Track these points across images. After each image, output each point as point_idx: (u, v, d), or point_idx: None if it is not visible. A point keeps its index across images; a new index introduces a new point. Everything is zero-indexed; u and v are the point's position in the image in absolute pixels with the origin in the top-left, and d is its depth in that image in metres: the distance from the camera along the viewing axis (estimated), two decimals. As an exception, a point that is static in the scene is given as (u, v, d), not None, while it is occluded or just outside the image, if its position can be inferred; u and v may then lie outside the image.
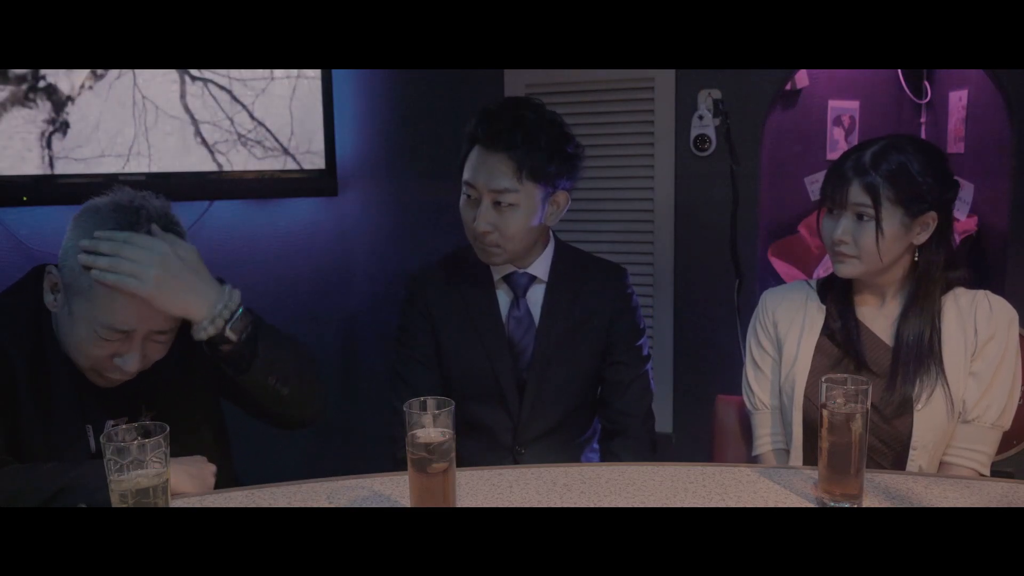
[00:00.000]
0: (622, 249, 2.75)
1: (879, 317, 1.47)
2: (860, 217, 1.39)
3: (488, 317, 1.63)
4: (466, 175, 1.54)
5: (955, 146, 3.17)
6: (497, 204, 1.51)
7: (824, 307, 1.51)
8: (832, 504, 1.15)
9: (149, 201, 1.25)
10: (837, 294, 1.50)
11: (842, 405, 1.14)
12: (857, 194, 1.38)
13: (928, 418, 1.39)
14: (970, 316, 1.42)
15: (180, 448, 1.24)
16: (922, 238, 1.41)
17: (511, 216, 1.52)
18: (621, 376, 1.66)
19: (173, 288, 1.19)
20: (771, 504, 1.18)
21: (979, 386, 1.40)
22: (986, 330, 1.40)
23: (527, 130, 1.50)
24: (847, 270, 1.43)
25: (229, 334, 1.23)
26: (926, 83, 3.42)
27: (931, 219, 1.40)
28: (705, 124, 2.65)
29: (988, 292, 1.45)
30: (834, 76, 3.39)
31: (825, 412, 1.14)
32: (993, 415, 1.39)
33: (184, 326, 1.27)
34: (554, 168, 1.53)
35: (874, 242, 1.37)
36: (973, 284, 1.47)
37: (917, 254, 1.43)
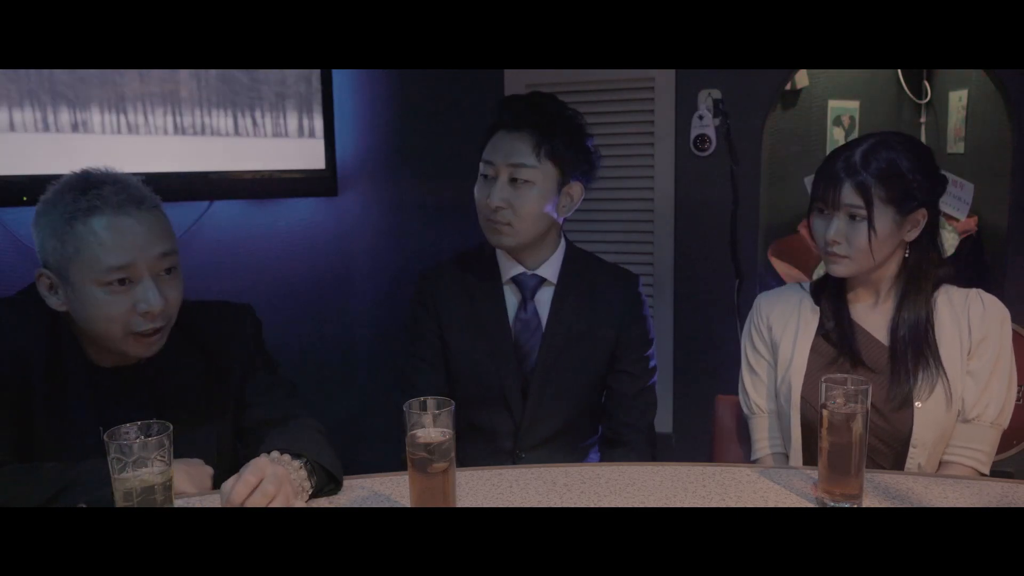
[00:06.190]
0: (622, 249, 2.75)
1: (873, 315, 1.47)
2: (852, 217, 1.38)
3: (494, 317, 1.62)
4: (485, 155, 1.57)
5: (955, 146, 3.17)
6: (514, 181, 1.54)
7: (818, 308, 1.50)
8: (832, 504, 1.15)
9: (108, 178, 1.20)
10: (830, 294, 1.50)
11: (842, 405, 1.14)
12: (849, 195, 1.37)
13: (928, 414, 1.39)
14: (963, 314, 1.42)
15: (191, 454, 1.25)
16: (913, 235, 1.41)
17: (526, 193, 1.53)
18: (626, 387, 1.64)
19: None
20: (771, 504, 1.18)
21: (977, 385, 1.40)
22: (980, 329, 1.41)
23: (549, 114, 1.56)
24: (840, 270, 1.42)
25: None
26: (926, 83, 3.42)
27: (921, 216, 1.40)
28: (705, 124, 2.64)
29: (980, 291, 1.45)
30: (834, 76, 3.39)
31: (825, 412, 1.14)
32: (992, 413, 1.40)
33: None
34: (571, 154, 1.56)
35: (867, 242, 1.37)
36: (970, 283, 1.47)
37: (908, 251, 1.43)
